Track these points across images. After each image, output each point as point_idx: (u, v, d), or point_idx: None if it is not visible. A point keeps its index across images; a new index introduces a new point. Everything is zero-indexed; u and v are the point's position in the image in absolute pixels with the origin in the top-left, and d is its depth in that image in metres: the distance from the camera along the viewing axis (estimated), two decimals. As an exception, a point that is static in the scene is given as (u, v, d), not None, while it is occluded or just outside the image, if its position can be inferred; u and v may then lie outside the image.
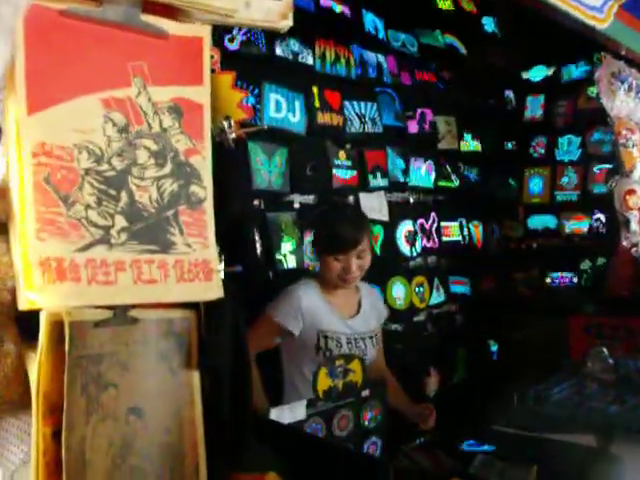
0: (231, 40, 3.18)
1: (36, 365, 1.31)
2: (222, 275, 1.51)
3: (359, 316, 2.84)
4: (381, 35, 3.92)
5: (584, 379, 3.55)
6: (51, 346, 1.32)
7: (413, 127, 4.16)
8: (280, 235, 3.38)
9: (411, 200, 4.18)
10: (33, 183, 1.28)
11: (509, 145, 4.98)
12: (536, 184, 4.84)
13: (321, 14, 3.58)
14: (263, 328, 2.69)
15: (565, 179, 4.77)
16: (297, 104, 3.46)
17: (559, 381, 3.50)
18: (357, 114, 3.77)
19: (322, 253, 2.71)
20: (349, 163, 3.72)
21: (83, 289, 1.33)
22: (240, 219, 1.55)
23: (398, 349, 3.97)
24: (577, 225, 4.68)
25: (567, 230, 4.73)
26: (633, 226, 3.45)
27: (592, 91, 4.10)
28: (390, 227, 3.95)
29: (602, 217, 4.50)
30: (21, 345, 1.38)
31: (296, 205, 3.48)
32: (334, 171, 3.63)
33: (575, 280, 4.59)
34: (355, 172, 3.75)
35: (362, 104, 3.81)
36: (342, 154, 3.69)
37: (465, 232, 4.56)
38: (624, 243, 3.48)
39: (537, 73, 4.86)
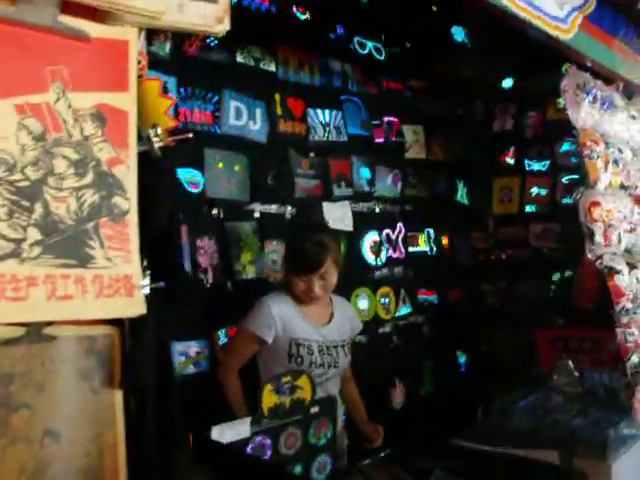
0: (190, 45, 3.11)
1: None
2: (146, 290, 1.44)
3: (331, 325, 2.90)
4: (347, 43, 3.87)
5: (550, 392, 3.53)
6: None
7: (380, 136, 4.10)
8: (240, 245, 3.31)
9: (377, 210, 4.12)
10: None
11: (478, 155, 4.94)
12: (505, 195, 4.80)
13: (285, 21, 3.53)
14: (240, 341, 2.84)
15: (534, 190, 4.74)
16: (258, 112, 3.39)
17: (524, 394, 3.48)
18: (321, 122, 3.72)
19: (288, 271, 2.83)
20: (312, 172, 3.66)
21: (-9, 305, 1.27)
22: (167, 232, 1.47)
23: (362, 361, 3.90)
24: (546, 236, 4.65)
25: (536, 241, 4.69)
26: (597, 238, 3.41)
27: (560, 102, 4.07)
28: (355, 237, 3.89)
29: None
30: None
31: (257, 214, 3.41)
32: (297, 180, 3.56)
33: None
34: (318, 181, 3.69)
35: (326, 112, 3.75)
36: (305, 163, 3.63)
37: (433, 242, 4.51)
38: (588, 255, 3.44)
39: (507, 83, 4.83)
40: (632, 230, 3.63)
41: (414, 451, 2.98)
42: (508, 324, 4.46)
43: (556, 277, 4.53)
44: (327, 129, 3.74)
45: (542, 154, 4.72)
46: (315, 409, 2.23)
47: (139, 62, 1.49)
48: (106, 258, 1.41)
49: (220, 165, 3.24)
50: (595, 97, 3.57)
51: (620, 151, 3.71)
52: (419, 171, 4.43)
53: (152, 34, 2.85)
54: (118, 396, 1.46)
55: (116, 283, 1.42)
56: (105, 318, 1.41)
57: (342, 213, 3.77)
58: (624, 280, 3.45)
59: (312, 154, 3.71)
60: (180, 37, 3.08)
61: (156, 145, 1.46)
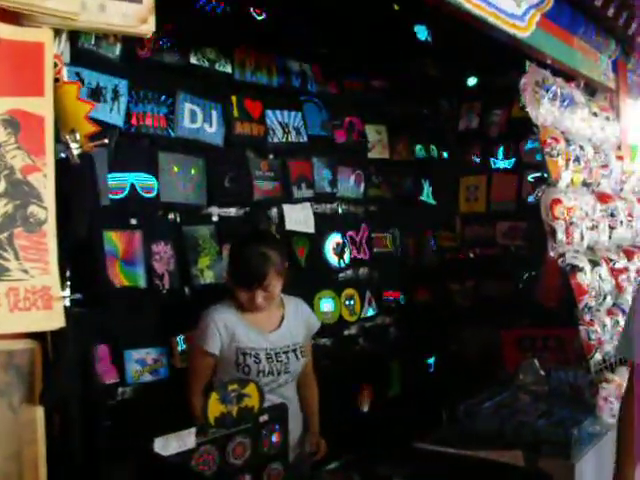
0: (141, 47, 3.05)
1: None
2: (67, 302, 1.39)
3: (281, 329, 2.86)
4: (306, 43, 3.82)
5: (516, 392, 3.52)
6: None
7: (341, 136, 4.06)
8: (197, 250, 3.26)
9: (340, 211, 4.08)
10: None
11: (444, 154, 4.91)
12: (471, 193, 4.78)
13: (241, 22, 3.47)
14: (194, 358, 2.83)
15: (501, 187, 4.72)
16: (214, 114, 3.34)
17: (490, 395, 3.46)
18: (280, 124, 3.67)
19: (230, 281, 2.82)
20: (272, 174, 3.61)
21: None
22: (88, 241, 1.42)
23: (328, 364, 3.87)
24: (512, 234, 4.63)
25: (502, 239, 4.67)
26: (559, 236, 3.40)
27: (520, 100, 4.06)
28: (317, 239, 3.84)
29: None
30: None
31: (214, 218, 3.36)
32: (255, 182, 3.51)
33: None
34: (278, 183, 3.64)
35: (285, 113, 3.70)
36: (264, 165, 3.58)
37: (398, 243, 4.47)
38: (551, 253, 3.44)
39: (471, 82, 4.81)
40: (594, 227, 3.63)
41: (377, 456, 2.95)
42: (476, 324, 4.44)
43: (523, 275, 4.50)
44: (286, 130, 3.69)
45: (507, 152, 4.70)
46: (264, 417, 2.18)
47: (56, 65, 1.44)
48: (22, 270, 1.36)
49: (175, 169, 3.18)
50: (555, 94, 3.57)
51: (582, 148, 3.71)
52: (383, 171, 4.39)
53: (101, 36, 2.79)
54: (39, 412, 1.41)
55: (33, 295, 1.36)
56: (21, 332, 1.36)
57: (303, 215, 3.73)
58: (586, 278, 3.45)
59: (271, 156, 3.66)
60: (131, 39, 3.02)
61: (75, 151, 1.41)
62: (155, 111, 3.11)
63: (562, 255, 3.45)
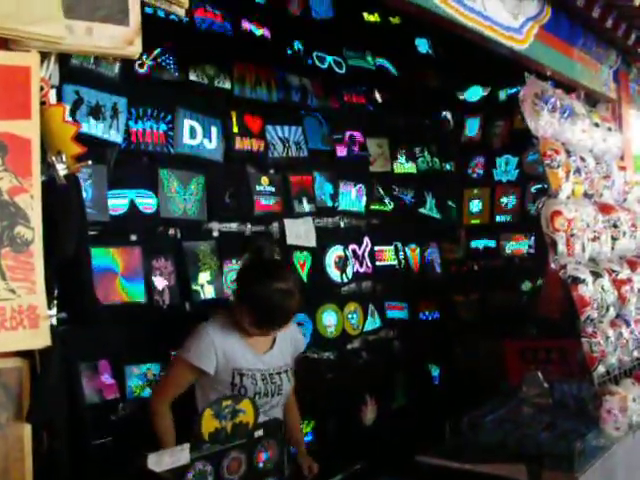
0: (141, 65, 3.09)
1: None
2: (53, 321, 1.41)
3: (273, 351, 2.81)
4: (306, 57, 3.85)
5: (520, 404, 3.50)
6: None
7: (342, 150, 4.08)
8: (197, 265, 3.28)
9: (342, 225, 4.09)
10: None
11: (447, 166, 4.92)
12: (475, 205, 4.78)
13: (240, 38, 3.51)
14: (178, 371, 2.69)
15: (504, 200, 4.72)
16: (214, 130, 3.37)
17: (493, 407, 3.44)
18: (280, 138, 3.69)
19: (247, 317, 2.66)
20: (272, 189, 3.63)
21: None
22: (74, 261, 1.44)
23: (331, 378, 3.88)
24: (517, 246, 4.63)
25: (507, 251, 4.66)
26: (560, 248, 3.39)
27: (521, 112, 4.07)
28: (319, 253, 3.85)
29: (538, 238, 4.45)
30: None
31: (215, 233, 3.38)
32: (256, 197, 3.53)
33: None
34: (279, 198, 3.66)
35: (285, 128, 3.73)
36: (265, 180, 3.60)
37: (401, 256, 4.48)
38: (552, 265, 3.42)
39: (473, 93, 4.83)
40: (596, 239, 3.61)
41: (380, 469, 2.95)
42: (480, 336, 4.43)
43: (527, 287, 4.50)
44: (287, 145, 3.72)
45: (511, 164, 4.70)
46: (259, 432, 2.18)
47: (42, 88, 1.46)
48: (8, 289, 1.38)
49: (175, 185, 3.21)
50: (554, 106, 3.56)
51: (583, 159, 3.69)
52: (385, 184, 4.40)
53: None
54: (27, 429, 1.42)
55: (19, 315, 1.38)
56: (7, 351, 1.38)
57: (304, 229, 3.74)
58: (588, 289, 3.42)
59: (272, 171, 3.68)
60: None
61: (61, 172, 1.43)
62: (154, 128, 3.14)
63: (563, 267, 3.43)
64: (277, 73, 3.70)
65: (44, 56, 1.51)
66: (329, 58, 3.99)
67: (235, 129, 3.46)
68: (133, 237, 3.04)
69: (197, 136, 3.29)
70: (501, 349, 4.06)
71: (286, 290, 2.63)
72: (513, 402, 3.51)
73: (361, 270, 4.16)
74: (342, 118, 4.13)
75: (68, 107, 2.56)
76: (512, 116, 4.62)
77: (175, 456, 1.97)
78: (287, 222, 3.68)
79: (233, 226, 3.47)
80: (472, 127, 4.83)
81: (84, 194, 2.20)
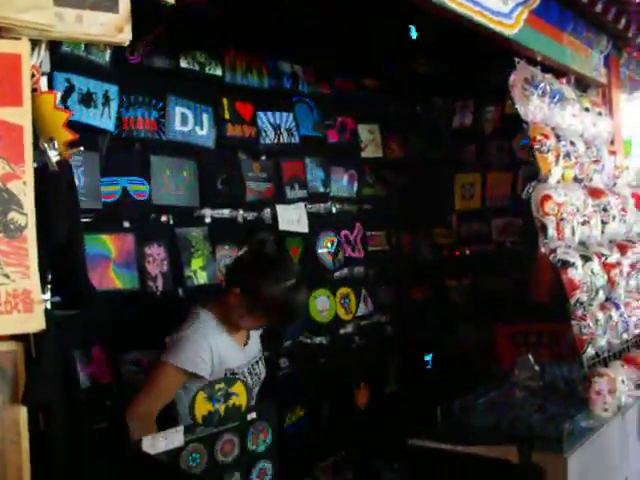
0: (132, 53, 3.09)
1: None
2: (47, 305, 1.43)
3: (250, 341, 2.80)
4: (297, 44, 3.84)
5: (512, 387, 3.53)
6: None
7: (333, 136, 4.10)
8: (190, 251, 3.30)
9: (334, 210, 4.11)
10: None
11: (439, 151, 4.93)
12: (468, 190, 4.80)
13: (232, 24, 3.50)
14: (167, 379, 2.51)
15: (496, 184, 4.73)
16: (205, 117, 3.38)
17: (486, 390, 3.48)
18: (272, 125, 3.71)
19: (252, 308, 2.58)
20: (264, 175, 3.66)
21: None
22: (67, 245, 1.46)
23: (324, 363, 3.91)
24: (508, 231, 4.65)
25: (499, 236, 4.69)
26: (550, 231, 3.42)
27: (512, 97, 4.08)
28: (311, 239, 3.88)
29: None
30: None
31: (207, 220, 3.40)
32: (248, 183, 3.56)
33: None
34: (271, 184, 3.68)
35: (277, 114, 3.74)
36: (256, 166, 3.62)
37: (393, 241, 4.50)
38: (542, 249, 3.45)
39: (464, 78, 4.82)
40: (585, 222, 3.64)
41: (373, 452, 2.99)
42: (472, 320, 4.46)
43: (519, 271, 4.52)
44: (278, 131, 3.73)
45: (502, 149, 4.71)
46: (252, 415, 2.21)
47: (33, 75, 1.48)
48: (3, 274, 1.40)
49: (167, 172, 3.23)
50: (544, 91, 3.58)
51: (573, 144, 3.72)
52: (376, 169, 4.42)
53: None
54: (23, 413, 1.44)
55: (14, 299, 1.40)
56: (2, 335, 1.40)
57: (297, 215, 3.77)
58: (578, 273, 3.46)
59: (263, 157, 3.70)
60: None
61: (53, 158, 1.45)
62: (146, 115, 3.15)
63: (553, 251, 3.46)
64: (268, 60, 3.70)
65: (35, 43, 1.52)
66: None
67: (227, 116, 3.48)
68: (126, 224, 3.06)
69: (189, 123, 3.30)
70: (493, 333, 4.10)
71: (298, 286, 2.59)
72: (505, 385, 3.56)
73: (353, 255, 4.18)
74: (333, 104, 4.14)
75: (59, 94, 2.55)
76: (503, 101, 4.61)
77: (169, 439, 2.00)
78: (279, 208, 3.70)
79: (225, 212, 3.49)
80: (464, 112, 4.83)
81: (77, 181, 2.21)
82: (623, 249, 3.97)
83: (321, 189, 3.99)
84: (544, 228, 3.42)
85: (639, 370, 3.66)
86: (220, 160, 3.46)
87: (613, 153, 4.21)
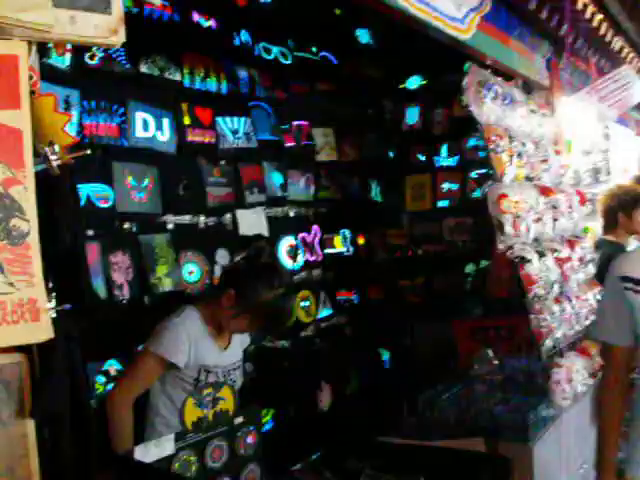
0: (91, 57, 3.03)
1: None
2: (53, 314, 1.39)
3: (231, 346, 2.79)
4: (253, 49, 3.85)
5: (473, 382, 3.61)
6: None
7: (290, 140, 4.11)
8: (154, 258, 3.25)
9: (291, 214, 4.13)
10: None
11: (390, 154, 5.01)
12: (417, 191, 4.89)
13: (188, 29, 3.48)
14: (147, 366, 2.57)
15: (445, 185, 4.85)
16: (166, 122, 3.34)
17: (448, 386, 3.54)
18: (230, 130, 3.69)
19: (243, 310, 2.60)
20: (224, 180, 3.64)
21: None
22: (71, 252, 1.43)
23: (287, 366, 3.91)
24: (459, 230, 4.76)
25: (450, 236, 4.79)
26: (507, 229, 3.51)
27: (463, 99, 4.18)
28: (271, 243, 3.87)
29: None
30: None
31: (170, 226, 3.37)
32: (208, 189, 3.53)
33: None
34: (230, 189, 3.67)
35: (235, 119, 3.73)
36: (216, 171, 3.60)
37: (349, 243, 4.55)
38: (499, 246, 3.54)
39: (413, 82, 4.93)
40: (539, 220, 3.76)
41: (344, 452, 2.99)
42: (428, 318, 4.53)
43: (471, 269, 4.63)
44: (237, 136, 3.72)
45: (451, 150, 4.82)
46: (239, 419, 2.20)
47: (31, 77, 1.44)
48: (7, 283, 1.35)
49: (130, 178, 3.18)
50: (496, 93, 3.68)
51: (523, 144, 3.83)
52: (331, 173, 4.46)
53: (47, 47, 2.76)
54: (30, 426, 1.40)
55: (20, 309, 1.36)
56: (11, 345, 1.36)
57: (256, 219, 3.76)
58: (534, 268, 3.57)
59: (223, 162, 3.68)
60: (80, 49, 3.00)
61: (54, 163, 1.41)
62: (107, 121, 3.09)
63: (510, 247, 3.56)
64: (226, 64, 3.69)
65: (28, 45, 1.48)
66: (275, 49, 4.01)
67: (187, 121, 3.45)
68: (90, 232, 2.99)
69: (150, 129, 3.26)
70: (450, 330, 4.18)
71: (288, 294, 2.69)
72: (466, 380, 3.63)
73: (311, 258, 4.20)
74: (289, 108, 4.15)
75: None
76: (451, 104, 4.73)
77: (161, 447, 1.98)
78: (239, 213, 3.69)
79: (187, 218, 3.46)
80: (413, 115, 4.92)
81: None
82: (571, 244, 4.12)
83: (279, 193, 4.00)
84: (501, 226, 3.51)
85: (591, 359, 3.80)
86: (181, 166, 3.43)
87: (558, 153, 4.35)
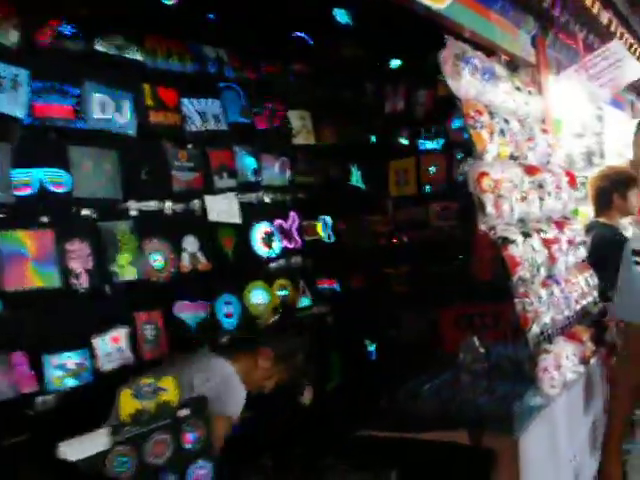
0: (43, 34, 2.89)
1: None
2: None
3: None
4: (221, 28, 3.70)
5: (457, 371, 3.46)
6: None
7: (262, 123, 3.95)
8: (117, 246, 3.11)
9: (267, 200, 3.97)
10: None
11: (372, 138, 4.85)
12: (401, 176, 4.72)
13: (150, 7, 3.33)
14: None
15: (431, 169, 4.67)
16: (125, 103, 3.19)
17: (431, 376, 3.41)
18: (197, 111, 3.54)
19: None
20: (191, 164, 3.49)
21: None
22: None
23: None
24: (446, 215, 4.59)
25: (436, 221, 4.63)
26: (489, 209, 3.35)
27: (442, 76, 4.03)
28: (244, 229, 3.73)
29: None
30: None
31: (133, 212, 3.22)
32: (174, 173, 3.39)
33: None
34: (198, 173, 3.52)
35: (202, 101, 3.58)
36: (182, 155, 3.45)
37: (330, 230, 4.39)
38: (481, 227, 3.39)
39: (395, 63, 4.76)
40: (524, 199, 3.60)
41: (322, 447, 2.90)
42: (414, 307, 4.39)
43: (458, 255, 4.47)
44: (204, 118, 3.57)
45: (436, 132, 4.66)
46: (184, 411, 2.04)
47: None
48: None
49: (87, 162, 3.04)
50: (475, 67, 3.51)
51: (506, 121, 3.67)
52: (309, 157, 4.30)
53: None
54: None
55: None
56: None
57: (227, 205, 3.61)
58: (519, 250, 3.40)
59: (190, 145, 3.53)
60: (31, 25, 2.86)
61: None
62: (61, 102, 2.95)
63: (493, 228, 3.40)
64: (191, 44, 3.54)
65: None
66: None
67: (149, 102, 3.30)
68: (44, 219, 2.86)
69: (108, 110, 3.11)
70: (436, 318, 4.03)
71: None
72: (450, 370, 3.49)
73: (289, 245, 4.05)
74: (261, 90, 4.00)
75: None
76: (435, 84, 4.57)
77: (93, 442, 1.82)
78: (208, 198, 3.54)
79: (152, 204, 3.31)
80: (395, 97, 4.76)
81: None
82: (560, 226, 3.95)
83: (252, 178, 3.84)
84: (482, 205, 3.35)
85: (582, 345, 3.65)
86: (143, 149, 3.29)
87: (545, 131, 4.19)
